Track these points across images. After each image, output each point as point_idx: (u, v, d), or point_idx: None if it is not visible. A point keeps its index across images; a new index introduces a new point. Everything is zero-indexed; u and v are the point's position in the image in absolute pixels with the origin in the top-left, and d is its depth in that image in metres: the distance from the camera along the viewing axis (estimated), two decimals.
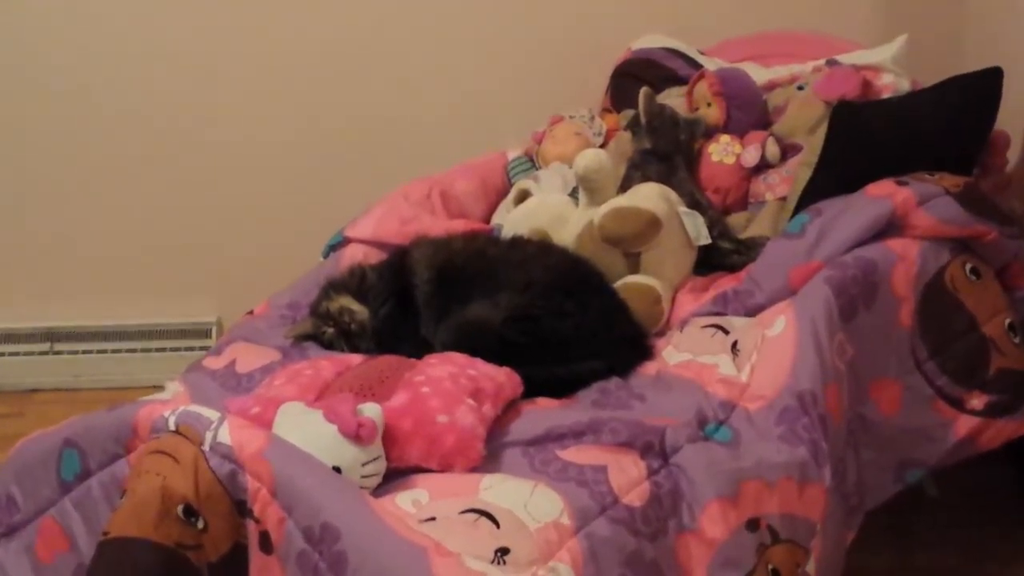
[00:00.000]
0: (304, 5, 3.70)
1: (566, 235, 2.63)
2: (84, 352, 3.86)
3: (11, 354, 3.86)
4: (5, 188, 3.78)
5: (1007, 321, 2.39)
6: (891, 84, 3.01)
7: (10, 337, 3.85)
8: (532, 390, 2.14)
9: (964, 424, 2.31)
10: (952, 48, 3.36)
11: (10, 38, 3.64)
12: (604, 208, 2.57)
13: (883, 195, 2.41)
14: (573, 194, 2.85)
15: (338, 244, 2.91)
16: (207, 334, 3.85)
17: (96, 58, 3.67)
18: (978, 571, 2.66)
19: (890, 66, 3.06)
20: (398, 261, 2.55)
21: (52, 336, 3.86)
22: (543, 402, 2.14)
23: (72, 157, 3.74)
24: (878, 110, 2.79)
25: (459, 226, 2.90)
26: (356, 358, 2.21)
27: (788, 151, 2.93)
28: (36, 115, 3.71)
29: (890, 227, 2.38)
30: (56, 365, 3.85)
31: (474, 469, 1.86)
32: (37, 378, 3.86)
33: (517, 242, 2.59)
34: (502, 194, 3.19)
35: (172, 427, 1.76)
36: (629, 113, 3.20)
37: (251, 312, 2.68)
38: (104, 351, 3.86)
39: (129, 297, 3.85)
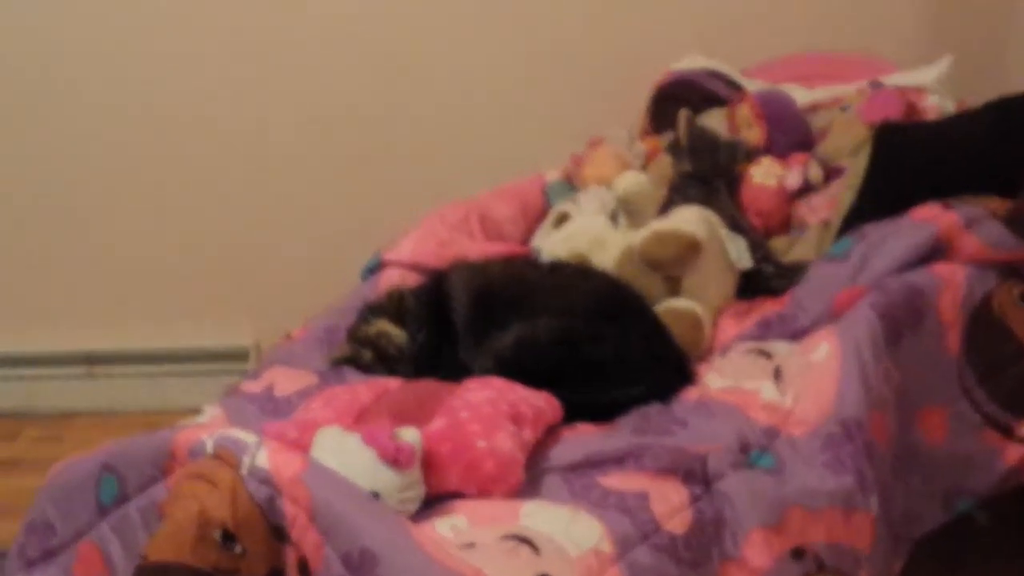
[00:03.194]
0: (350, 30, 3.70)
1: (606, 258, 2.61)
2: (122, 376, 3.87)
3: (49, 378, 3.87)
4: (43, 213, 3.81)
5: None
6: (935, 106, 2.99)
7: (48, 361, 3.87)
8: (572, 415, 2.12)
9: (1014, 452, 2.26)
10: (997, 69, 3.33)
11: (51, 59, 3.67)
12: (644, 231, 2.55)
13: (928, 218, 2.38)
14: (613, 217, 2.83)
15: (376, 267, 2.90)
16: (245, 358, 3.85)
17: (137, 84, 3.69)
18: None
19: (934, 87, 3.04)
20: (436, 285, 2.54)
21: (90, 360, 3.87)
22: (583, 427, 2.11)
23: (111, 182, 3.77)
24: (922, 132, 2.76)
25: (497, 249, 2.89)
26: (394, 382, 2.20)
27: (831, 174, 2.90)
28: (78, 144, 3.73)
29: (936, 251, 2.34)
30: (94, 389, 3.86)
31: (514, 495, 1.84)
32: (75, 402, 3.87)
33: (556, 266, 2.58)
34: (541, 217, 3.17)
35: (210, 451, 1.76)
36: (669, 135, 3.19)
37: (289, 336, 2.67)
38: (142, 375, 3.87)
39: (167, 321, 3.86)
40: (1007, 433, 2.27)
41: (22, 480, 2.78)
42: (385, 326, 2.43)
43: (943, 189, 2.48)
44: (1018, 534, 2.83)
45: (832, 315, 2.28)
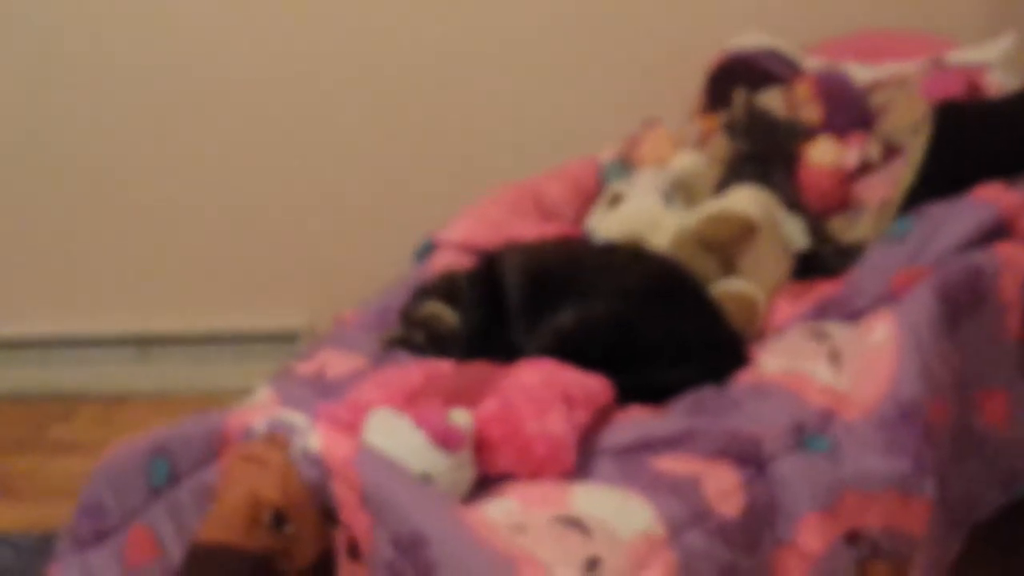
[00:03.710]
0: (406, 13, 3.70)
1: (660, 239, 2.60)
2: (174, 358, 3.90)
3: (102, 360, 3.91)
4: (95, 196, 3.85)
5: None
6: (998, 83, 2.94)
7: (100, 343, 3.91)
8: (625, 397, 2.10)
9: None
10: None
11: (99, 45, 3.70)
12: (699, 212, 2.54)
13: (990, 199, 2.34)
14: (667, 198, 2.81)
15: (428, 249, 2.90)
16: (295, 340, 3.86)
17: (188, 68, 3.72)
18: None
19: (998, 64, 2.99)
20: (489, 267, 2.53)
21: (143, 342, 3.90)
22: (635, 410, 2.10)
23: (164, 165, 3.80)
24: (984, 110, 2.71)
25: (551, 231, 2.87)
26: (446, 364, 2.19)
27: (890, 153, 2.86)
28: (130, 129, 3.77)
29: (997, 231, 2.30)
30: (147, 371, 3.90)
31: (565, 477, 1.83)
32: (128, 384, 3.91)
33: (610, 247, 2.56)
34: (595, 198, 3.15)
35: (262, 433, 1.76)
36: (726, 115, 3.16)
37: (341, 318, 2.68)
38: (194, 357, 3.90)
39: (219, 303, 3.89)
40: None
41: (76, 463, 2.81)
42: (437, 308, 2.43)
43: (1005, 169, 2.44)
44: None
45: (890, 297, 2.25)
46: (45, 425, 3.77)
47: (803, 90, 3.06)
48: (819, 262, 2.64)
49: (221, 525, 1.65)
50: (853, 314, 2.28)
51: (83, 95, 3.80)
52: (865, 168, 2.88)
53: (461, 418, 1.80)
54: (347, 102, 3.76)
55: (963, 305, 2.18)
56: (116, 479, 1.94)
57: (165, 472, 1.87)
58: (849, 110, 3.03)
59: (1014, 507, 2.26)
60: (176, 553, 1.82)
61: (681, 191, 2.66)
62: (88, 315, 3.95)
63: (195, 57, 3.73)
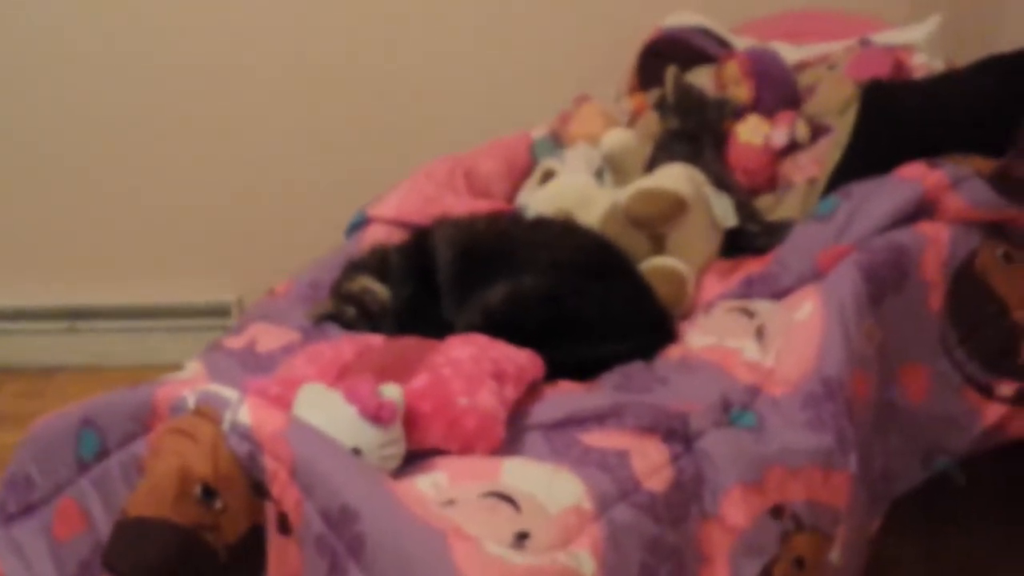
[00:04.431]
0: None
1: (591, 216, 2.61)
2: (104, 331, 3.86)
3: (31, 333, 3.87)
4: (26, 167, 3.79)
5: None
6: (924, 65, 2.98)
7: (30, 316, 3.86)
8: (554, 373, 2.12)
9: (993, 412, 2.27)
10: (987, 28, 3.32)
11: (28, 21, 3.64)
12: (630, 189, 2.55)
13: (914, 177, 2.37)
14: (598, 174, 2.83)
15: (360, 223, 2.89)
16: (227, 313, 3.85)
17: (117, 36, 3.66)
18: (1006, 560, 2.63)
19: (924, 46, 3.03)
20: (420, 241, 2.53)
21: (73, 315, 3.86)
22: (565, 385, 2.12)
23: (92, 136, 3.76)
24: (910, 91, 2.75)
25: (483, 206, 2.88)
26: (377, 339, 2.20)
27: (818, 132, 2.89)
28: (59, 94, 3.73)
29: (921, 210, 2.34)
30: (76, 344, 3.87)
31: (495, 452, 1.84)
32: (57, 357, 3.87)
33: (541, 223, 2.57)
34: (527, 174, 3.16)
35: (191, 407, 1.76)
36: (656, 93, 3.17)
37: (272, 292, 2.66)
38: (124, 330, 3.86)
39: (150, 276, 3.86)
40: (987, 393, 2.27)
41: (3, 435, 2.78)
42: (368, 282, 2.43)
43: (929, 148, 2.47)
44: (997, 494, 2.85)
45: (816, 274, 2.28)
46: None
47: (733, 68, 3.08)
48: (747, 240, 2.67)
49: (150, 499, 1.64)
50: (780, 291, 2.31)
51: (9, 69, 3.73)
52: (793, 147, 2.91)
53: (392, 393, 1.80)
54: (277, 77, 3.73)
55: (887, 282, 2.22)
56: (43, 452, 1.93)
57: (94, 445, 1.85)
58: (778, 89, 3.06)
59: (936, 481, 2.30)
60: (104, 527, 1.80)
61: (611, 168, 2.67)
62: (17, 287, 3.90)
63: (124, 35, 3.68)
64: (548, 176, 2.83)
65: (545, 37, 3.69)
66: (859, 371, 2.06)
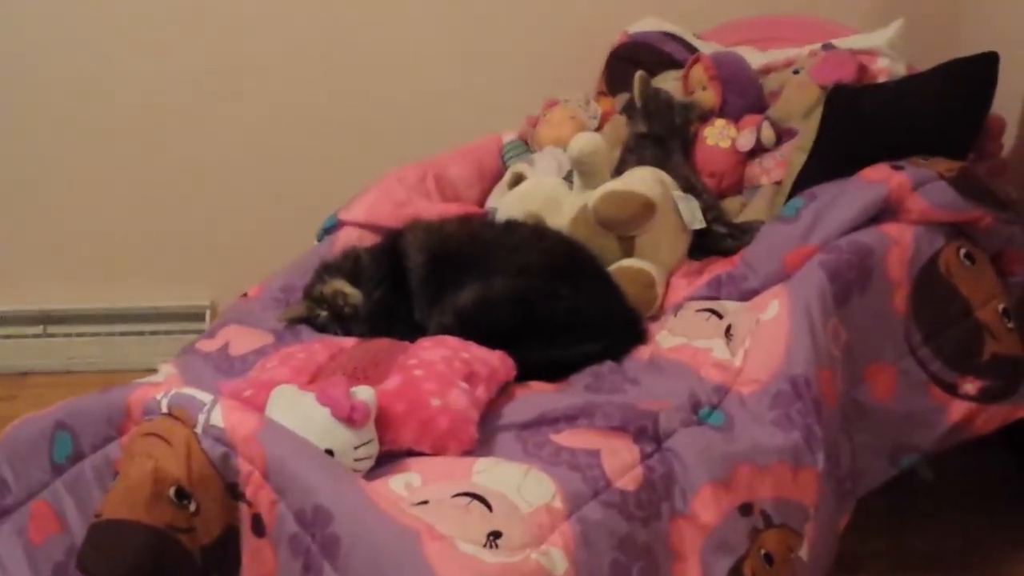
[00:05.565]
0: None
1: (560, 219, 2.63)
2: (78, 335, 3.84)
3: (4, 337, 3.84)
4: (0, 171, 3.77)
5: (1001, 307, 2.38)
6: (887, 68, 3.00)
7: (3, 319, 3.83)
8: (526, 374, 2.14)
9: (958, 409, 2.30)
10: (948, 33, 3.35)
11: (8, 27, 3.62)
12: (598, 192, 2.56)
13: (878, 179, 2.41)
14: (567, 178, 2.84)
15: (332, 227, 2.90)
16: (201, 317, 3.84)
17: (92, 46, 3.64)
18: (973, 555, 2.66)
19: (886, 50, 3.05)
20: (392, 244, 2.55)
21: (46, 319, 3.84)
22: (537, 386, 2.14)
23: (66, 142, 3.72)
24: (873, 94, 2.78)
25: (453, 209, 2.89)
26: (349, 341, 2.21)
27: (783, 135, 2.92)
28: (34, 101, 3.69)
29: (885, 212, 2.37)
30: (49, 348, 3.84)
31: (467, 452, 1.86)
32: (30, 361, 3.85)
33: (511, 226, 2.59)
34: (497, 178, 3.18)
35: (165, 409, 1.77)
36: (624, 97, 3.20)
37: (245, 295, 2.68)
38: (98, 334, 3.84)
39: (123, 280, 3.84)
40: (951, 390, 2.31)
41: None
42: (340, 285, 2.44)
43: (893, 151, 2.51)
44: (963, 489, 2.89)
45: (782, 275, 2.31)
46: None
47: (699, 73, 3.11)
48: (715, 241, 2.70)
49: (124, 501, 1.65)
50: (747, 292, 2.34)
51: None
52: (759, 150, 2.94)
53: (364, 394, 1.81)
54: (249, 81, 3.71)
55: (852, 283, 2.25)
56: (17, 455, 1.93)
57: (68, 448, 1.86)
58: (744, 93, 3.08)
59: (903, 478, 2.34)
60: (79, 529, 1.81)
61: (580, 171, 2.69)
62: None
63: (101, 34, 3.66)
64: (518, 180, 2.84)
65: (514, 42, 3.70)
66: (826, 370, 2.09)
